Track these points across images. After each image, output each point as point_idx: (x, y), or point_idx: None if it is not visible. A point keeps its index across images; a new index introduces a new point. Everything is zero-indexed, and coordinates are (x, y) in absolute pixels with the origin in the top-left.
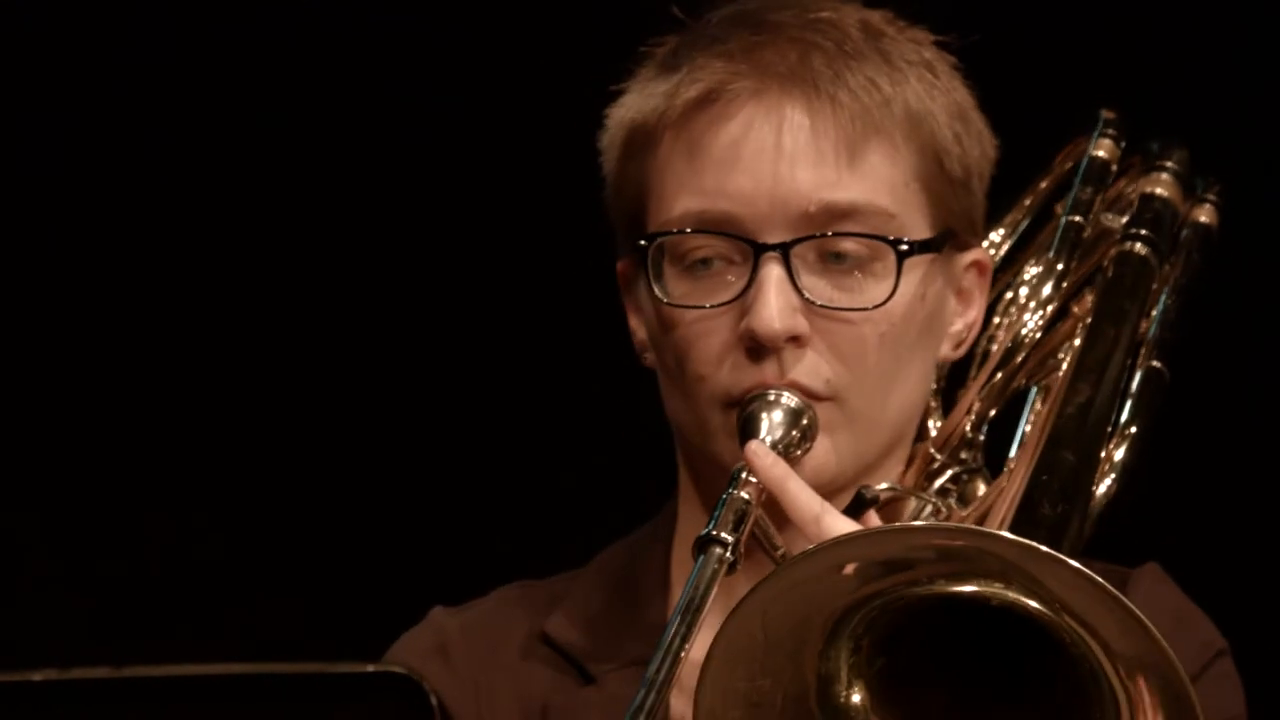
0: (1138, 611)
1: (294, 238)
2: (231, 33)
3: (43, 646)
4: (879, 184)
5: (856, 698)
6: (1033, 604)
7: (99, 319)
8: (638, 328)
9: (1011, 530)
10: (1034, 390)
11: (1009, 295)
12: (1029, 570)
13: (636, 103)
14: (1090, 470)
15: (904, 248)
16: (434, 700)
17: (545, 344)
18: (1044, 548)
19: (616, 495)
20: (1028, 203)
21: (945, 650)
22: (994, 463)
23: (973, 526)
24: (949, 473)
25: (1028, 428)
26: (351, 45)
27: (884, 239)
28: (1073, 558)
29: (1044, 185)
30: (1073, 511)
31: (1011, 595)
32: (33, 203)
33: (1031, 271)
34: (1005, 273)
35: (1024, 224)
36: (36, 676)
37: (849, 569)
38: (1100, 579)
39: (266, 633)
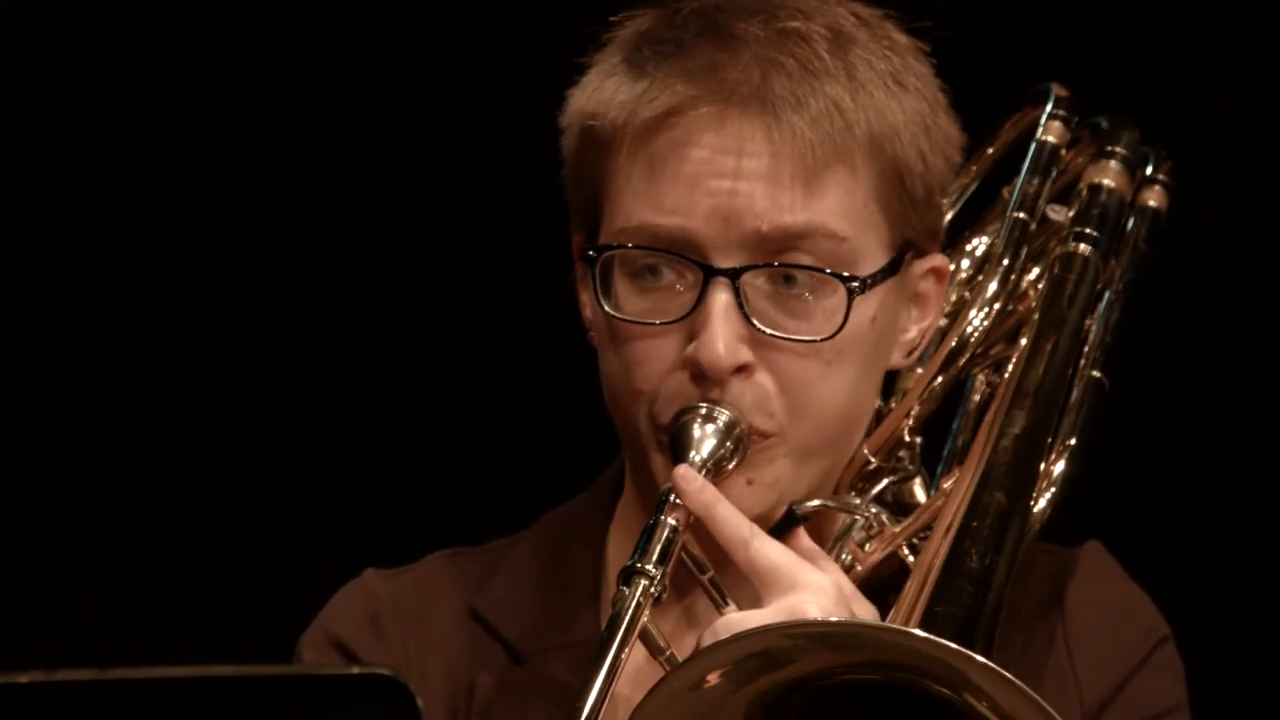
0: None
1: (244, 231)
2: (220, 32)
3: (30, 648)
4: (836, 208)
5: None
6: (951, 695)
7: (85, 323)
8: (586, 303)
9: (939, 582)
10: (969, 382)
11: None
12: (952, 666)
13: (595, 100)
14: (1022, 509)
15: (855, 285)
16: (419, 703)
17: (493, 320)
18: (978, 657)
19: (557, 459)
20: (974, 169)
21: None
22: (929, 454)
23: (873, 624)
24: (885, 480)
25: (971, 403)
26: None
27: (836, 275)
28: (999, 610)
29: (990, 152)
30: (999, 560)
31: (930, 687)
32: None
33: (974, 250)
34: (950, 250)
35: (971, 188)
36: (22, 679)
37: (741, 668)
38: (1022, 684)
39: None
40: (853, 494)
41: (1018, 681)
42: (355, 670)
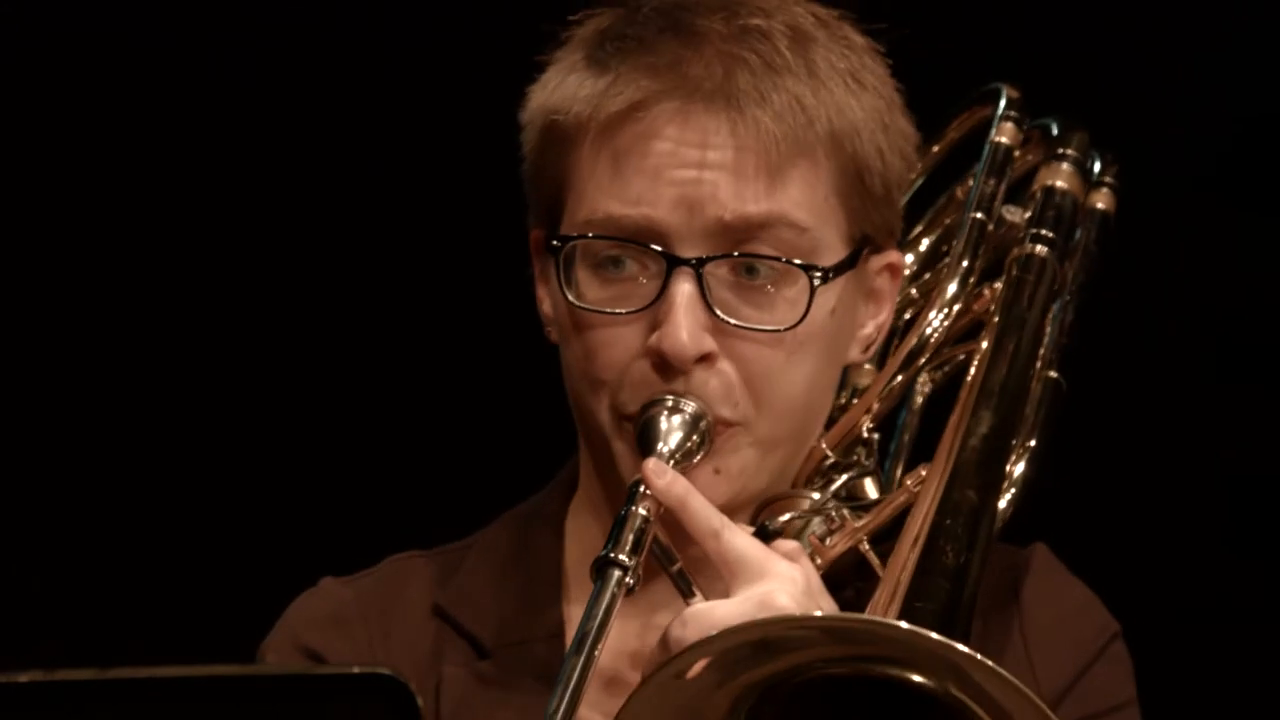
0: (1051, 714)
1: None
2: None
3: (26, 648)
4: (798, 199)
5: None
6: (934, 687)
7: (51, 325)
8: (544, 298)
9: (915, 578)
10: (916, 384)
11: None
12: (945, 659)
13: (558, 96)
14: (992, 506)
15: (817, 275)
16: (420, 702)
17: (449, 323)
18: (965, 648)
19: (505, 467)
20: (919, 166)
21: (847, 717)
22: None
23: (876, 619)
24: (842, 476)
25: (916, 403)
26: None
27: (799, 265)
28: (973, 605)
29: (935, 150)
30: (973, 557)
31: (913, 678)
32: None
33: (922, 246)
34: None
35: (916, 184)
36: (22, 678)
37: (730, 660)
38: (1017, 681)
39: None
40: (812, 488)
41: (1017, 681)
42: (355, 670)
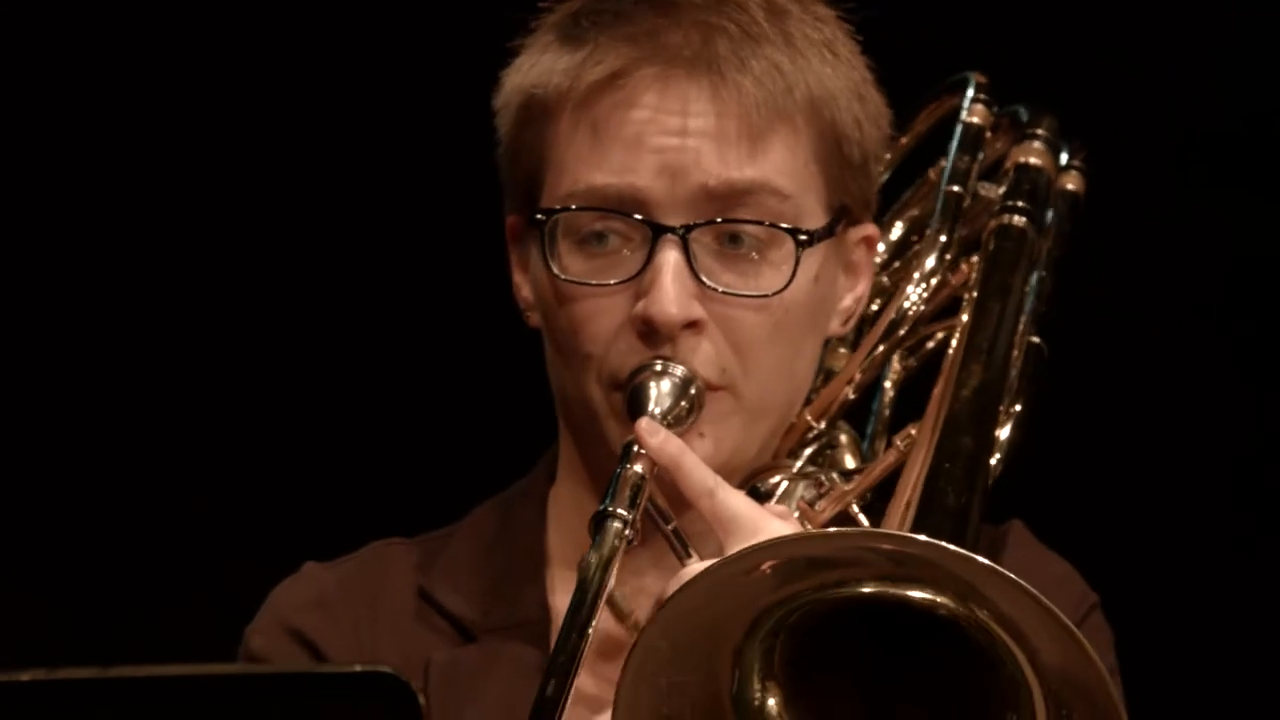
0: (1073, 627)
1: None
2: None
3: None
4: (780, 166)
5: (771, 700)
6: (953, 606)
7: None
8: (522, 284)
9: (918, 519)
10: (887, 364)
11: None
12: (962, 576)
13: (535, 73)
14: (987, 454)
15: (803, 237)
16: (421, 700)
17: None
18: (988, 563)
19: (490, 453)
20: (888, 157)
21: (859, 650)
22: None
23: (909, 535)
24: (825, 442)
25: (889, 385)
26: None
27: (784, 229)
28: (976, 543)
29: (904, 141)
30: (973, 499)
31: (930, 598)
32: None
33: (897, 231)
34: None
35: (883, 176)
36: (24, 677)
37: (765, 572)
38: (1037, 593)
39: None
40: (796, 459)
41: (1034, 591)
42: (357, 669)
